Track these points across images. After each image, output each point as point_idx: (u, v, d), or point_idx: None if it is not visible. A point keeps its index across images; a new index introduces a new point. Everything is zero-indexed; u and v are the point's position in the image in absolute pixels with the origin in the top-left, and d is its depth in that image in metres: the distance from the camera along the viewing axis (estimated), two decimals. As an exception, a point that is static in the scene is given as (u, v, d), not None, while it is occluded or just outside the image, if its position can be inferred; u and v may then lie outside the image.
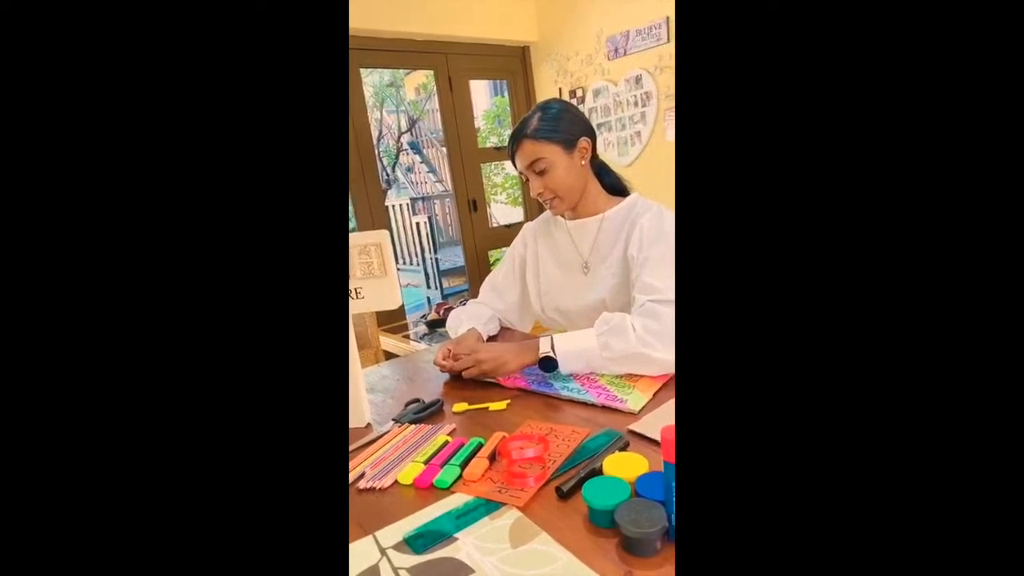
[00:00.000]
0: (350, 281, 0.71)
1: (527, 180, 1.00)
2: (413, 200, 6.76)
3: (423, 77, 5.01)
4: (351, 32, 2.36)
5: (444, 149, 7.59)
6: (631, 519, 0.46)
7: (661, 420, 0.68)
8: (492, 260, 3.37)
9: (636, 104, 2.64)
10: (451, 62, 2.90)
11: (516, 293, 1.16)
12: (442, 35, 2.72)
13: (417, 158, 7.98)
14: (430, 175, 8.03)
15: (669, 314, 0.81)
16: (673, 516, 0.46)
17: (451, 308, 2.92)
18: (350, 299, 0.71)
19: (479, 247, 3.19)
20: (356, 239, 0.69)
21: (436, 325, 2.61)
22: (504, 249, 3.63)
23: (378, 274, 0.70)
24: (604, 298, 0.98)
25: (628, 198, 1.03)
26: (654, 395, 0.77)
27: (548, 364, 0.85)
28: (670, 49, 2.45)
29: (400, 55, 2.75)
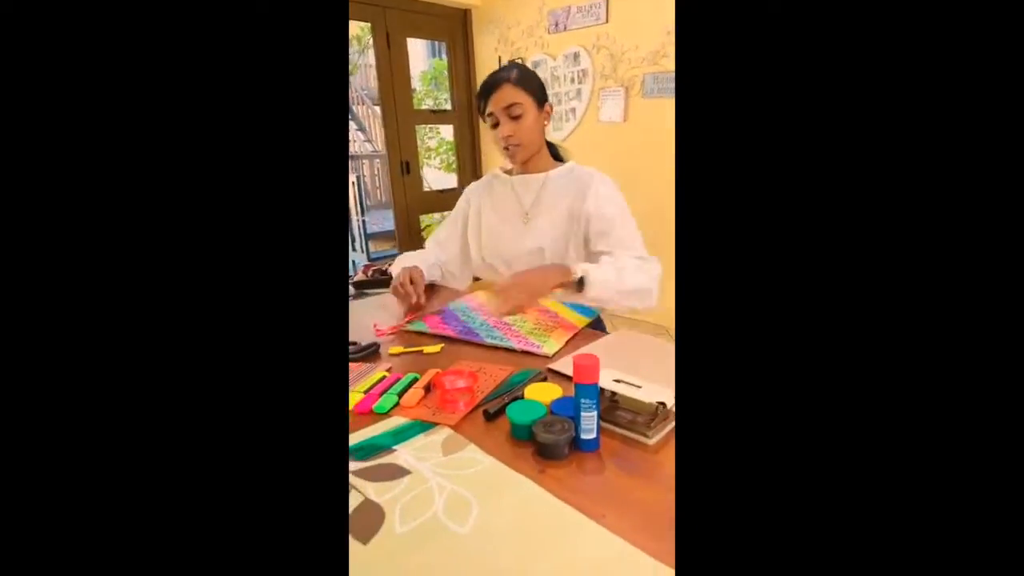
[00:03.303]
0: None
1: (494, 125, 1.06)
2: (341, 158, 6.46)
3: (356, 29, 4.77)
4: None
5: (376, 108, 7.20)
6: (545, 429, 0.55)
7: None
8: (424, 225, 3.36)
9: (572, 80, 2.72)
10: (389, 17, 2.82)
11: (457, 246, 1.23)
12: (381, -13, 2.64)
13: (345, 114, 7.59)
14: (359, 133, 7.70)
15: (651, 268, 1.00)
16: (579, 428, 0.56)
17: (379, 269, 2.91)
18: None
19: (411, 210, 3.17)
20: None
21: (364, 286, 2.59)
22: (436, 215, 3.63)
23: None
24: (543, 247, 1.09)
25: (567, 164, 1.14)
26: (567, 342, 0.87)
27: (579, 284, 0.95)
28: (608, 29, 2.54)
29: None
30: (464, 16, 3.11)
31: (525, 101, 1.03)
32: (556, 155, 1.17)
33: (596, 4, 2.54)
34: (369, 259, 4.65)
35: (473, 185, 1.25)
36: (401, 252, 3.52)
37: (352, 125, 7.71)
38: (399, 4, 2.82)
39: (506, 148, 1.07)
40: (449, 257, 1.23)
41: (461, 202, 1.24)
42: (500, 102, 1.03)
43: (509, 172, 1.20)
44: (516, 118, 1.03)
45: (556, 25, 2.72)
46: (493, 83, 1.04)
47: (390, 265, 2.83)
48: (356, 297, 2.64)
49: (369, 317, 1.06)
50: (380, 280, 2.68)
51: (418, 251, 1.25)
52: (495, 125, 1.06)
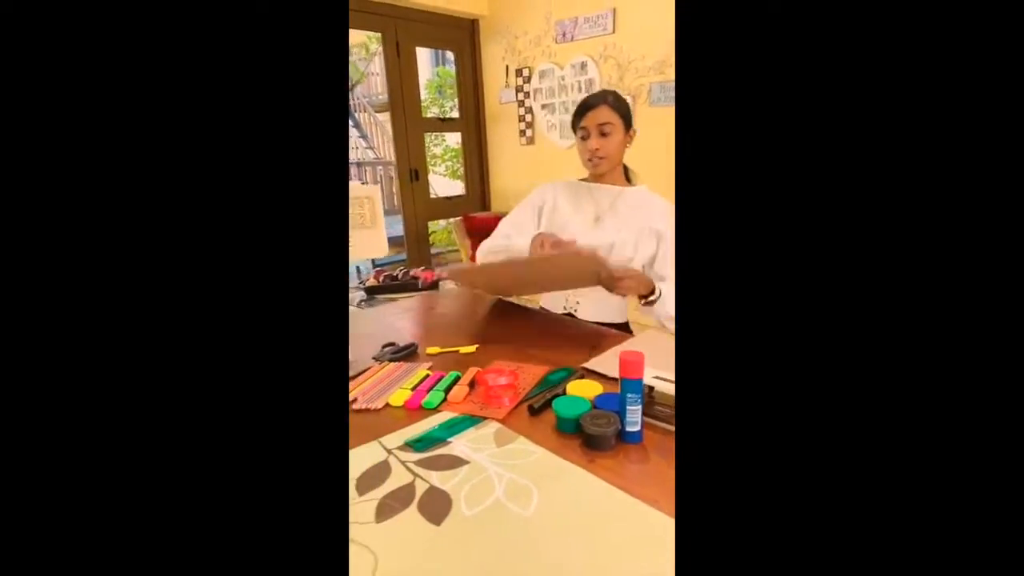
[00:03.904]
0: (341, 229, 0.77)
1: (584, 138, 1.18)
2: (344, 165, 6.49)
3: (362, 37, 4.83)
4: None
5: (378, 115, 7.20)
6: (593, 422, 0.59)
7: (607, 360, 0.81)
8: (431, 231, 3.40)
9: (580, 90, 2.77)
10: (399, 27, 2.87)
11: (534, 231, 1.28)
12: (392, -2, 2.69)
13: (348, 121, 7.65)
14: (360, 140, 7.75)
15: None
16: (625, 420, 0.59)
17: (390, 275, 2.93)
18: (340, 246, 0.78)
19: (419, 217, 3.21)
20: (350, 191, 0.75)
21: (376, 291, 2.62)
22: (442, 221, 3.67)
23: (368, 225, 0.77)
24: (613, 243, 1.19)
25: (640, 187, 1.26)
26: (600, 348, 0.91)
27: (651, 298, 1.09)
28: (615, 39, 2.59)
29: (350, 14, 2.68)
30: (472, 26, 3.16)
31: (616, 122, 1.16)
32: (627, 178, 1.28)
33: (603, 15, 2.60)
34: (375, 264, 4.67)
35: (549, 184, 1.32)
36: (409, 258, 3.50)
37: (355, 132, 7.77)
38: (409, 15, 2.87)
39: (590, 159, 1.19)
40: (527, 244, 1.26)
41: (535, 198, 1.30)
42: (595, 119, 1.16)
43: (585, 181, 1.29)
44: (605, 135, 1.16)
45: (563, 35, 2.77)
46: (592, 103, 1.16)
47: (400, 271, 2.84)
48: (369, 303, 2.66)
49: (399, 320, 1.10)
50: (392, 286, 2.71)
51: (496, 241, 1.27)
52: (584, 138, 1.18)
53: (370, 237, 0.77)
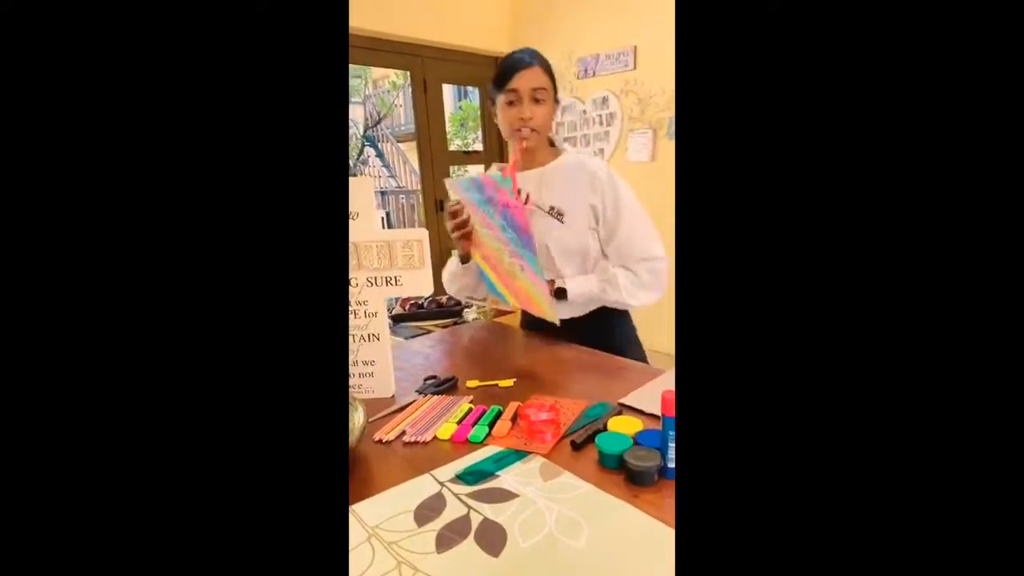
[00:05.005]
0: (391, 270, 0.82)
1: (512, 103, 1.02)
2: (369, 194, 6.70)
3: (389, 72, 5.03)
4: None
5: (400, 145, 7.42)
6: (636, 459, 0.62)
7: (644, 395, 0.84)
8: (454, 259, 3.48)
9: (601, 123, 2.85)
10: (427, 65, 3.00)
11: None
12: (419, 38, 2.83)
13: (371, 151, 7.93)
14: (383, 170, 8.00)
15: (653, 267, 1.08)
16: (666, 457, 0.62)
17: (416, 303, 3.00)
18: (390, 285, 0.83)
19: (443, 247, 3.29)
20: (401, 235, 0.81)
21: (402, 320, 2.68)
22: (465, 249, 3.75)
23: (417, 265, 0.82)
24: (547, 244, 1.10)
25: (565, 155, 1.12)
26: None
27: (560, 293, 1.08)
28: (636, 75, 2.67)
29: (378, 54, 2.82)
30: (495, 63, 3.28)
31: (549, 88, 1.02)
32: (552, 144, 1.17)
33: (624, 52, 2.68)
34: (397, 292, 4.75)
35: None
36: (434, 289, 3.59)
37: (377, 161, 8.03)
38: (436, 54, 3.00)
39: (519, 131, 1.03)
40: None
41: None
42: (528, 82, 1.00)
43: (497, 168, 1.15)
44: (538, 101, 1.02)
45: (585, 71, 2.87)
46: (522, 63, 1.00)
47: (426, 299, 2.89)
48: (395, 331, 2.71)
49: (435, 352, 1.14)
50: (418, 314, 2.77)
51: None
52: (512, 103, 1.02)
53: (417, 277, 0.82)
